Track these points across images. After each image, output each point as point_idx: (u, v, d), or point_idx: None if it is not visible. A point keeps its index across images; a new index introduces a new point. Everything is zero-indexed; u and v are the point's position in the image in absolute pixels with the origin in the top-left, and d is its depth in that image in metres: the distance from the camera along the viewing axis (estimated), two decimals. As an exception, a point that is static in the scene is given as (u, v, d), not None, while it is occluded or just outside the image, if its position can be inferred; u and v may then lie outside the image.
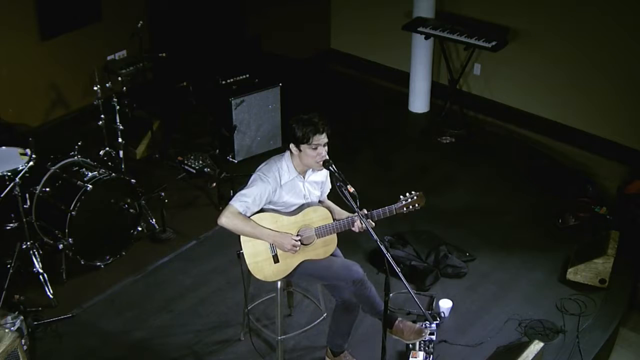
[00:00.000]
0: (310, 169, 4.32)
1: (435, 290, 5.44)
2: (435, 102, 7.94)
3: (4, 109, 6.80)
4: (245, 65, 7.20)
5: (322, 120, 4.17)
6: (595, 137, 7.23)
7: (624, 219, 6.14)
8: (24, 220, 5.28)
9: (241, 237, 4.28)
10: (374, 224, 4.14)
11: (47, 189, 5.44)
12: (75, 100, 7.36)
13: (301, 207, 4.33)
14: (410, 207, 4.22)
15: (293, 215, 4.30)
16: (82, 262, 5.52)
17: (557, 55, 7.23)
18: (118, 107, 6.12)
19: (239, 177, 6.26)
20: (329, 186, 4.52)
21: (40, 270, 5.33)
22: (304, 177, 4.34)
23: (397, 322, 4.44)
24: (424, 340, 4.77)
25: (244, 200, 4.18)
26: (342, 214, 4.44)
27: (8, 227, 5.56)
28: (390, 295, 4.09)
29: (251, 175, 4.31)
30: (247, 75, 6.98)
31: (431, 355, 4.79)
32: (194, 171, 6.66)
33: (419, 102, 7.94)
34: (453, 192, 6.62)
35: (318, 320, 4.86)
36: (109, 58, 7.31)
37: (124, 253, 5.72)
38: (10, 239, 5.45)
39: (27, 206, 5.42)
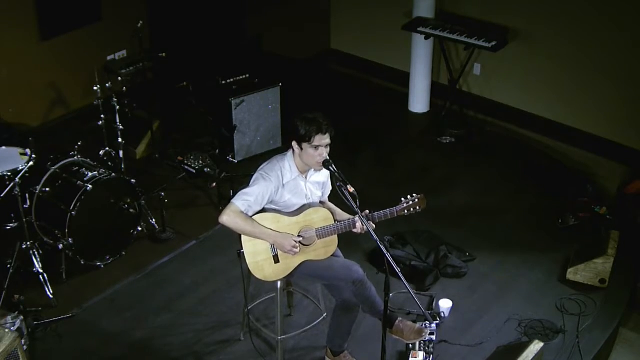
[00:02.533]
0: (312, 169, 4.33)
1: (435, 290, 5.44)
2: (435, 102, 7.94)
3: (4, 109, 6.79)
4: (245, 65, 7.18)
5: (326, 121, 4.18)
6: (595, 137, 7.23)
7: (624, 219, 6.14)
8: (24, 220, 5.28)
9: (242, 236, 4.27)
10: (374, 225, 4.14)
11: (47, 189, 5.44)
12: (75, 100, 7.35)
13: (302, 208, 4.33)
14: (412, 209, 4.22)
15: (294, 216, 4.30)
16: (82, 262, 5.51)
17: (557, 55, 7.22)
18: (118, 107, 6.11)
19: (239, 177, 6.26)
20: (329, 187, 4.52)
21: (40, 270, 5.33)
22: (305, 177, 4.34)
23: (397, 322, 4.44)
24: (424, 340, 4.77)
25: (246, 199, 4.17)
26: (343, 215, 4.43)
27: (8, 227, 5.55)
28: (390, 295, 4.09)
29: (252, 175, 4.31)
30: (247, 75, 6.97)
31: (431, 355, 4.79)
32: (194, 171, 6.65)
33: (419, 102, 7.94)
34: (453, 192, 6.61)
35: (318, 320, 4.85)
36: (109, 58, 7.31)
37: (124, 253, 5.72)
38: (10, 239, 5.45)
39: (27, 206, 5.41)
